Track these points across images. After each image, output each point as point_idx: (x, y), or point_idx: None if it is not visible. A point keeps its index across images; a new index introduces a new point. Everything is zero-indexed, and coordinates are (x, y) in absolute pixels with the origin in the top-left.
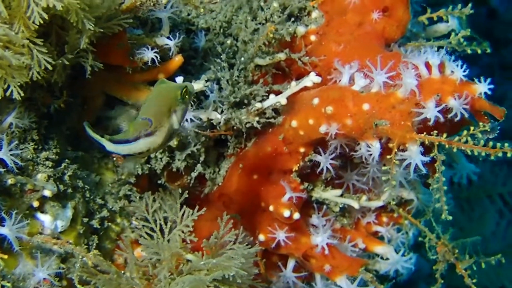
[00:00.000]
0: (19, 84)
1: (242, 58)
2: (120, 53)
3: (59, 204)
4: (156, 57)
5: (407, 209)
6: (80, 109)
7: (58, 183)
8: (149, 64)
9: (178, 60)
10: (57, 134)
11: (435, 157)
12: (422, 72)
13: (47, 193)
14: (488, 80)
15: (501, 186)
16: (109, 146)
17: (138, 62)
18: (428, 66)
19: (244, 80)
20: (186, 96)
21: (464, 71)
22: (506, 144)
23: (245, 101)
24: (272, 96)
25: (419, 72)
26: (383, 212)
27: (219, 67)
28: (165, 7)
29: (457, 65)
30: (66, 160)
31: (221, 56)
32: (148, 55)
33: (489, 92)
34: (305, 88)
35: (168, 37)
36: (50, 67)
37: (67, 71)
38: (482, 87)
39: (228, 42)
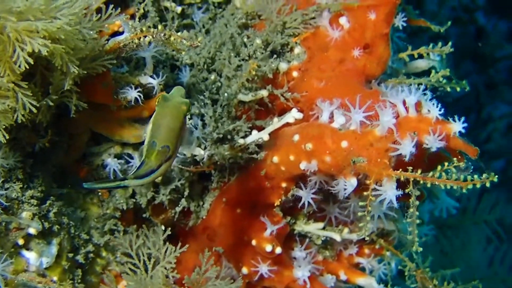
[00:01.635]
0: (4, 127)
1: (226, 94)
2: (105, 92)
3: (44, 241)
4: (140, 96)
5: (389, 239)
6: (66, 146)
7: (43, 220)
8: (133, 103)
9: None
10: (43, 172)
11: (410, 192)
12: (400, 111)
13: (32, 231)
14: (462, 119)
15: (487, 213)
16: (135, 182)
17: (122, 101)
18: (405, 105)
19: (227, 116)
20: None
21: (440, 110)
22: (475, 176)
23: (228, 137)
24: (254, 132)
25: (397, 110)
26: (365, 243)
27: (202, 103)
28: (148, 46)
29: (433, 104)
30: (51, 197)
31: (204, 93)
32: (132, 94)
33: (463, 131)
34: (287, 124)
35: (151, 76)
36: (34, 110)
37: (51, 111)
38: (457, 126)
39: (212, 77)
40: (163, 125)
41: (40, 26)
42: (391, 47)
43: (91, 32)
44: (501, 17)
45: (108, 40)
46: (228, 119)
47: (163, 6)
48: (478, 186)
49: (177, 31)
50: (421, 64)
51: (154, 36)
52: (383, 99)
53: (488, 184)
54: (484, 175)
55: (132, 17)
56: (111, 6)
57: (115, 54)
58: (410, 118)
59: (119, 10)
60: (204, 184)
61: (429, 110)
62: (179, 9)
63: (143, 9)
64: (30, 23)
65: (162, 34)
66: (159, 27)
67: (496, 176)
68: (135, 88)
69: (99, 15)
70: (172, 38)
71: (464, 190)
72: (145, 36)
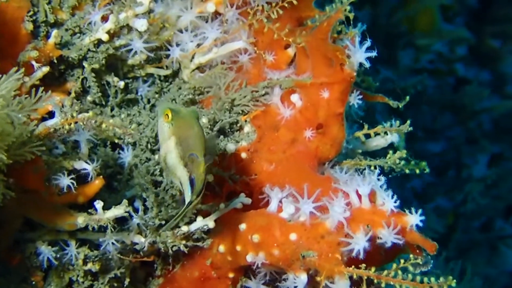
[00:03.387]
0: None
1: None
2: (36, 177)
3: None
4: (72, 183)
5: None
6: None
7: None
8: (65, 191)
9: (98, 183)
10: None
11: None
12: (353, 201)
13: None
14: (420, 211)
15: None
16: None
17: (54, 189)
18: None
19: (171, 199)
20: None
21: (395, 202)
22: (432, 278)
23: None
24: (199, 218)
25: (350, 200)
26: None
27: (144, 186)
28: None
29: (388, 195)
30: None
31: (145, 178)
32: (64, 182)
33: (420, 224)
34: (235, 210)
35: (86, 161)
36: None
37: None
38: (413, 219)
39: (156, 158)
40: (193, 136)
41: None
42: (346, 127)
43: (20, 116)
44: (483, 67)
45: (37, 124)
46: (172, 203)
47: (105, 81)
48: None
49: (120, 107)
50: (380, 142)
51: (84, 123)
52: (335, 187)
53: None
54: (441, 279)
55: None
56: (41, 88)
57: (45, 139)
58: (364, 209)
59: (50, 93)
60: (147, 270)
61: (384, 201)
62: (122, 83)
63: (83, 84)
64: None
65: (93, 121)
66: (90, 113)
67: (455, 280)
68: (68, 175)
69: (28, 96)
70: (103, 126)
71: None
72: (75, 122)
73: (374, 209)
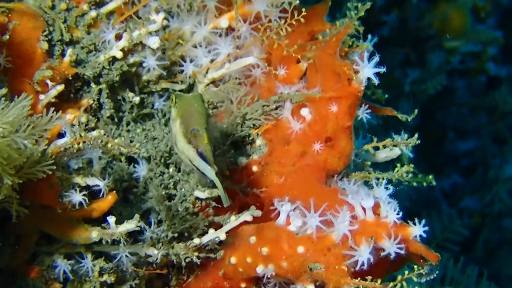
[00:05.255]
0: None
1: (183, 189)
2: (50, 194)
3: None
4: (84, 200)
5: None
6: (12, 249)
7: None
8: (77, 207)
9: (111, 198)
10: None
11: None
12: (358, 213)
13: None
14: (423, 222)
15: None
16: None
17: (67, 205)
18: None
19: (185, 212)
20: None
21: (398, 214)
22: None
23: (185, 234)
24: (211, 231)
25: (355, 213)
26: None
27: (158, 199)
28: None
29: (392, 208)
30: None
31: (158, 191)
32: (76, 198)
33: (424, 235)
34: (246, 222)
35: (99, 178)
36: None
37: None
38: (416, 230)
39: (170, 171)
40: (195, 112)
41: None
42: (354, 141)
43: (26, 142)
44: None
45: (49, 144)
46: (186, 215)
47: (121, 96)
48: None
49: (135, 122)
50: (390, 154)
51: (91, 142)
52: (341, 200)
53: None
54: None
55: (86, 110)
56: (52, 109)
57: (57, 158)
58: (367, 222)
59: (60, 113)
60: (163, 280)
61: (387, 213)
62: (137, 99)
63: (99, 100)
64: None
65: (99, 141)
66: (96, 133)
67: None
68: (80, 191)
69: (40, 117)
70: (109, 145)
71: None
72: (84, 141)
73: (377, 221)
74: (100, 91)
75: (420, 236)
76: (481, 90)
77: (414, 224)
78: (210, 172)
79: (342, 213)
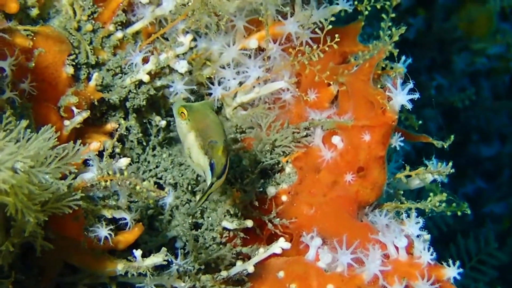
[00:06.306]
0: None
1: (210, 218)
2: (75, 226)
3: None
4: (110, 235)
5: None
6: (36, 279)
7: None
8: (102, 243)
9: (138, 230)
10: None
11: None
12: (390, 252)
13: None
14: (457, 263)
15: None
16: (219, 181)
17: (93, 239)
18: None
19: (212, 241)
20: None
21: (432, 254)
22: None
23: (212, 265)
24: (239, 263)
25: (387, 252)
26: None
27: (185, 229)
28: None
29: (425, 248)
30: None
31: (185, 220)
32: (101, 233)
33: (458, 277)
34: (275, 254)
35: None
36: None
37: (15, 251)
38: (450, 272)
39: (197, 199)
40: (211, 123)
41: None
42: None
43: (47, 177)
44: None
45: (75, 177)
46: (212, 246)
47: (147, 119)
48: None
49: (161, 146)
50: (422, 181)
51: (119, 183)
52: (373, 238)
53: None
54: None
55: (111, 134)
56: (79, 141)
57: (82, 192)
58: (400, 262)
59: (87, 146)
60: None
61: (421, 254)
62: (163, 122)
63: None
64: None
65: (128, 183)
66: (125, 173)
67: None
68: (106, 225)
69: (66, 151)
70: (137, 188)
71: None
72: (111, 180)
73: (410, 262)
74: (126, 115)
75: (454, 277)
76: (505, 91)
77: (448, 265)
78: (208, 181)
79: (373, 252)
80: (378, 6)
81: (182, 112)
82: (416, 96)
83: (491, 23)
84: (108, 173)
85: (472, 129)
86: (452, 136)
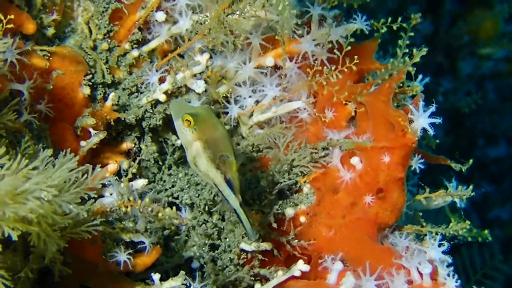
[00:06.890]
0: None
1: (227, 239)
2: (93, 250)
3: None
4: (129, 259)
5: None
6: None
7: None
8: (121, 268)
9: (155, 253)
10: None
11: None
12: (414, 278)
13: None
14: None
15: None
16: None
17: (112, 264)
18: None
19: (229, 263)
20: None
21: (456, 281)
22: None
23: (230, 287)
24: (257, 285)
25: (411, 278)
26: None
27: (202, 251)
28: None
29: (450, 274)
30: None
31: (204, 241)
32: (121, 258)
33: None
34: (294, 277)
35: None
36: (11, 285)
37: (34, 276)
38: None
39: (213, 220)
40: (220, 137)
41: (7, 213)
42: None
43: (71, 206)
44: None
45: (94, 201)
46: (230, 267)
47: (163, 138)
48: None
49: (177, 165)
50: (441, 201)
51: (141, 210)
52: (396, 263)
53: None
54: None
55: (127, 153)
56: (98, 166)
57: (102, 217)
58: None
59: (106, 169)
60: None
61: (445, 280)
62: (179, 142)
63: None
64: None
65: (150, 209)
66: (146, 200)
67: None
68: (125, 250)
69: (86, 176)
70: (160, 215)
71: None
72: (131, 205)
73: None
74: (142, 134)
75: None
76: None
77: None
78: (234, 201)
79: (397, 278)
80: (395, 27)
81: (187, 120)
82: (438, 120)
83: (497, 28)
84: (128, 199)
85: (478, 133)
86: (471, 160)
